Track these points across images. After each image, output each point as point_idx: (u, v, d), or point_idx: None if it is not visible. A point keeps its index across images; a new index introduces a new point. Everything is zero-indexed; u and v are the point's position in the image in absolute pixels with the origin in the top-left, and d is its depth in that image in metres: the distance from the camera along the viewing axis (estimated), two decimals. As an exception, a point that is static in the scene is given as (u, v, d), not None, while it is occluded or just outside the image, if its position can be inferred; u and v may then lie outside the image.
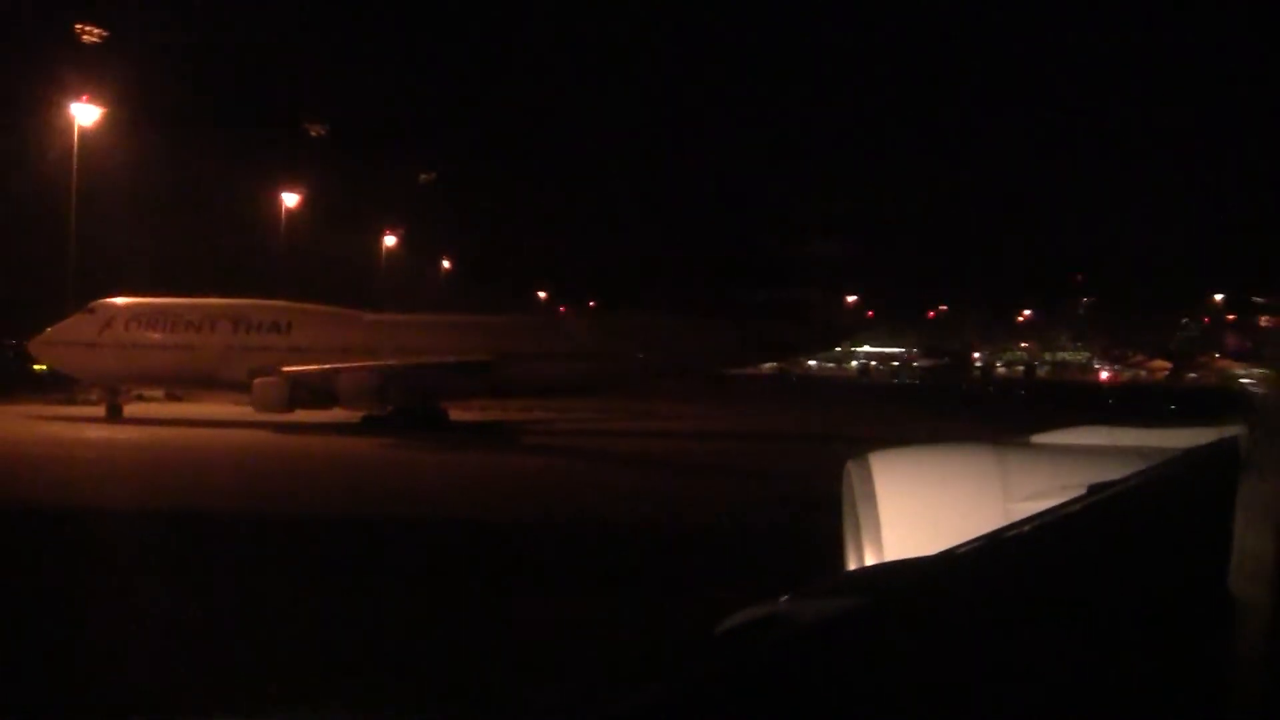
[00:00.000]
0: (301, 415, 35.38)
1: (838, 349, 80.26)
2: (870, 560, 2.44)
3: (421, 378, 34.73)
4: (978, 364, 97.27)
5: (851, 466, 2.61)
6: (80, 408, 40.95)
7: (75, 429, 33.51)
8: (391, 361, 34.85)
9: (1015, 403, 56.29)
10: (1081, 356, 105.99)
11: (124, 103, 45.34)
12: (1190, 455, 2.17)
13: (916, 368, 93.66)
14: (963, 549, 1.85)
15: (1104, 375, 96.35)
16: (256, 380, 35.06)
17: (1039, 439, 2.83)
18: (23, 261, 59.72)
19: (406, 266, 71.37)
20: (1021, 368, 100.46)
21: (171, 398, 45.91)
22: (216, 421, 37.48)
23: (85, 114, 44.11)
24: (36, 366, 73.96)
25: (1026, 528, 1.88)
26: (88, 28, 43.55)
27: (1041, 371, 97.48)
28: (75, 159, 43.69)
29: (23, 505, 18.54)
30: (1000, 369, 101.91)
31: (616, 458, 29.27)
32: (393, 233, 69.04)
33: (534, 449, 31.80)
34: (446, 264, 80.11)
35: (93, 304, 38.46)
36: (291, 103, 65.17)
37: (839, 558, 2.66)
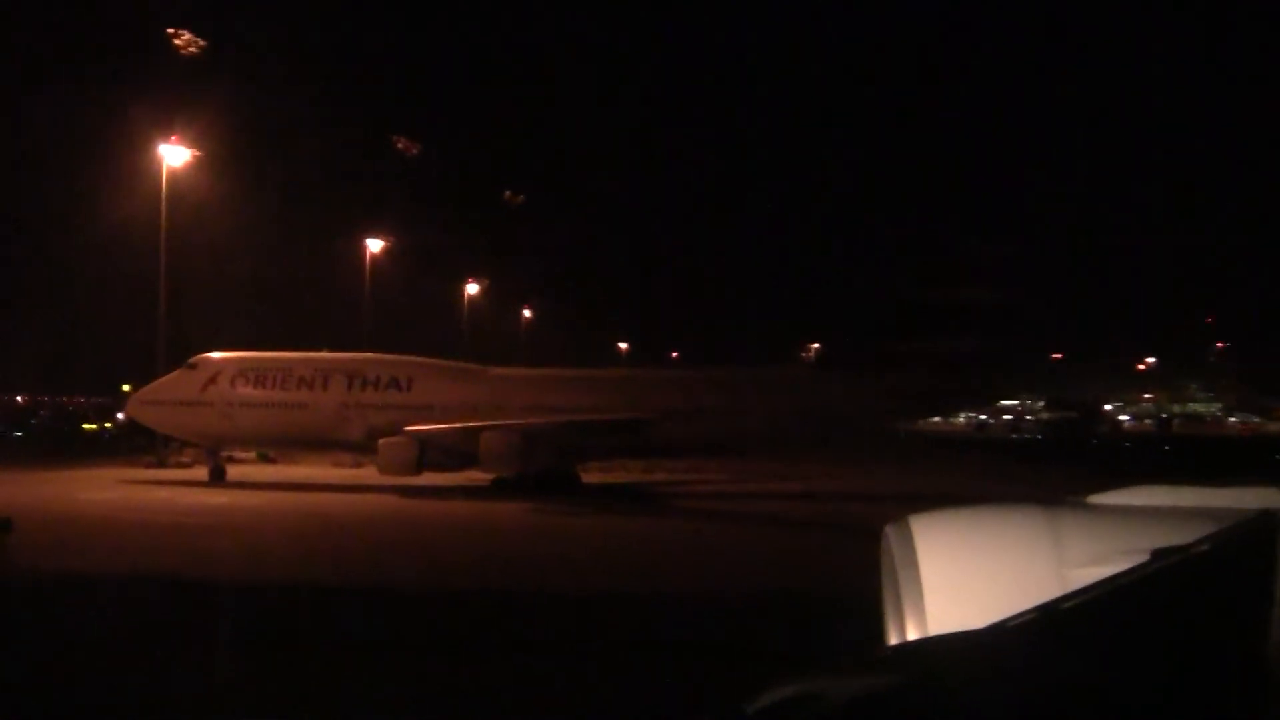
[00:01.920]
0: (425, 477, 35.42)
1: (1000, 403, 79.50)
2: (912, 633, 2.44)
3: (570, 437, 34.86)
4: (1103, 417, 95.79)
5: (890, 530, 2.60)
6: (172, 470, 41.78)
7: (191, 495, 33.51)
8: (537, 420, 34.93)
9: (1166, 461, 55.12)
10: (1214, 408, 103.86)
11: (209, 138, 45.64)
12: (1266, 518, 2.19)
13: (1040, 422, 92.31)
14: (1014, 621, 1.87)
15: (1238, 427, 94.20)
16: (383, 441, 35.06)
17: (1096, 499, 2.80)
18: (54, 314, 61.09)
19: (489, 315, 72.77)
20: (1149, 420, 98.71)
21: (264, 459, 46.74)
22: (334, 485, 37.58)
23: (174, 155, 44.43)
24: (86, 425, 75.62)
25: (1084, 598, 1.91)
26: (181, 32, 44.12)
27: (1174, 425, 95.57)
28: (164, 206, 44.00)
29: (216, 582, 18.17)
30: (1126, 422, 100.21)
31: (788, 522, 28.98)
32: (476, 280, 69.97)
33: (704, 515, 31.37)
34: (527, 313, 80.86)
35: (194, 359, 38.73)
36: (373, 139, 66.27)
37: (878, 630, 2.67)
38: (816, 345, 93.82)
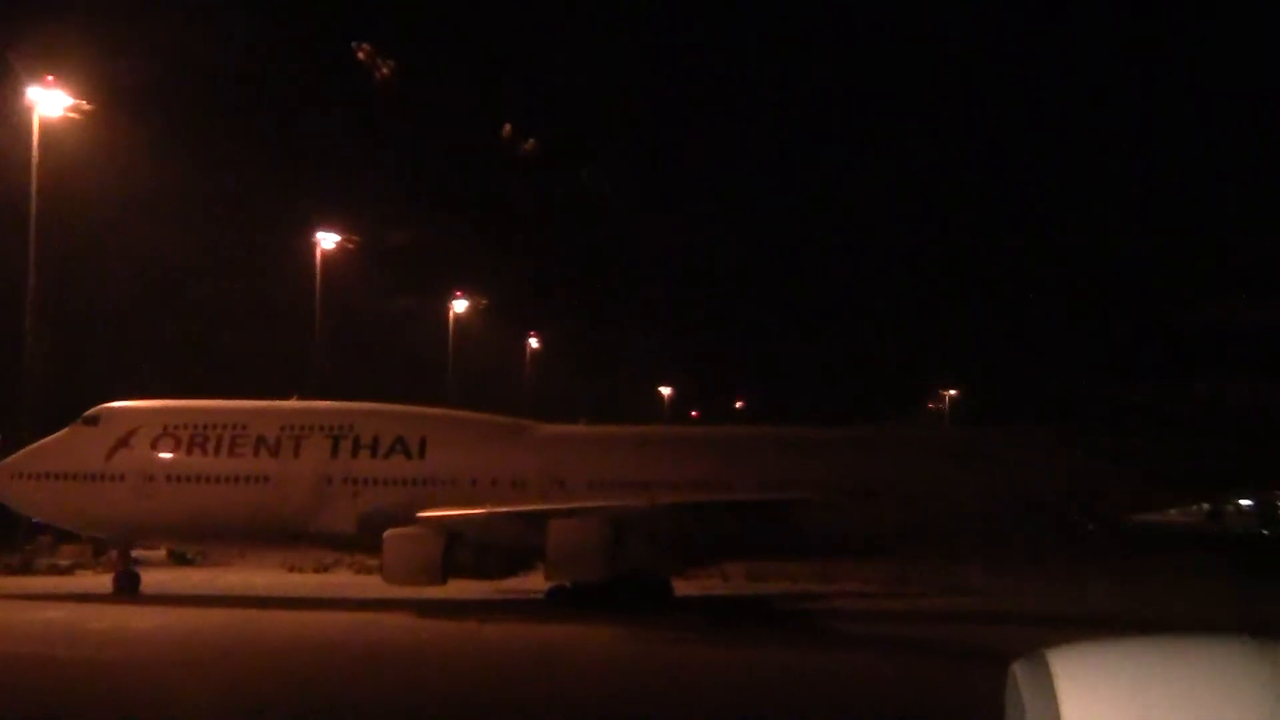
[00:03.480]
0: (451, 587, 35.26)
1: None
2: None
3: (680, 528, 34.49)
4: None
5: (1019, 671, 2.80)
6: (48, 578, 41.36)
7: (102, 616, 32.83)
8: (633, 503, 34.57)
9: None
10: None
11: (101, 81, 45.49)
12: None
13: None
14: None
15: None
16: (392, 534, 34.37)
17: None
18: None
19: (481, 344, 73.44)
20: None
21: (179, 560, 46.74)
22: (310, 600, 37.27)
23: (49, 103, 43.52)
24: None
25: None
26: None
27: None
28: (35, 178, 43.36)
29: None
30: None
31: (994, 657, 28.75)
32: (466, 294, 70.71)
33: (880, 645, 31.01)
34: (534, 343, 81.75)
35: (95, 411, 38.14)
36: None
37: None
38: (953, 392, 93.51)
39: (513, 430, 39.59)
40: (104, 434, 37.55)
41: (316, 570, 44.79)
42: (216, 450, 37.40)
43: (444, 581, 34.66)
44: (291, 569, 44.80)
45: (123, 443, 37.33)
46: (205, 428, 37.73)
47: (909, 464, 37.53)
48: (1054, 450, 38.66)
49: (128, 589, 37.31)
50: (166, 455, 37.39)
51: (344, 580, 41.92)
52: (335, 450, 37.29)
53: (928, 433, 44.60)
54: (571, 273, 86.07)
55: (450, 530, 34.68)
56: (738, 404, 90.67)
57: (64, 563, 43.18)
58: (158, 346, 54.57)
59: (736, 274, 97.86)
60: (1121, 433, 39.63)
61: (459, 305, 71.33)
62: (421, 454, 37.26)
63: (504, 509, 35.00)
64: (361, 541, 36.43)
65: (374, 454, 37.23)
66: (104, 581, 38.36)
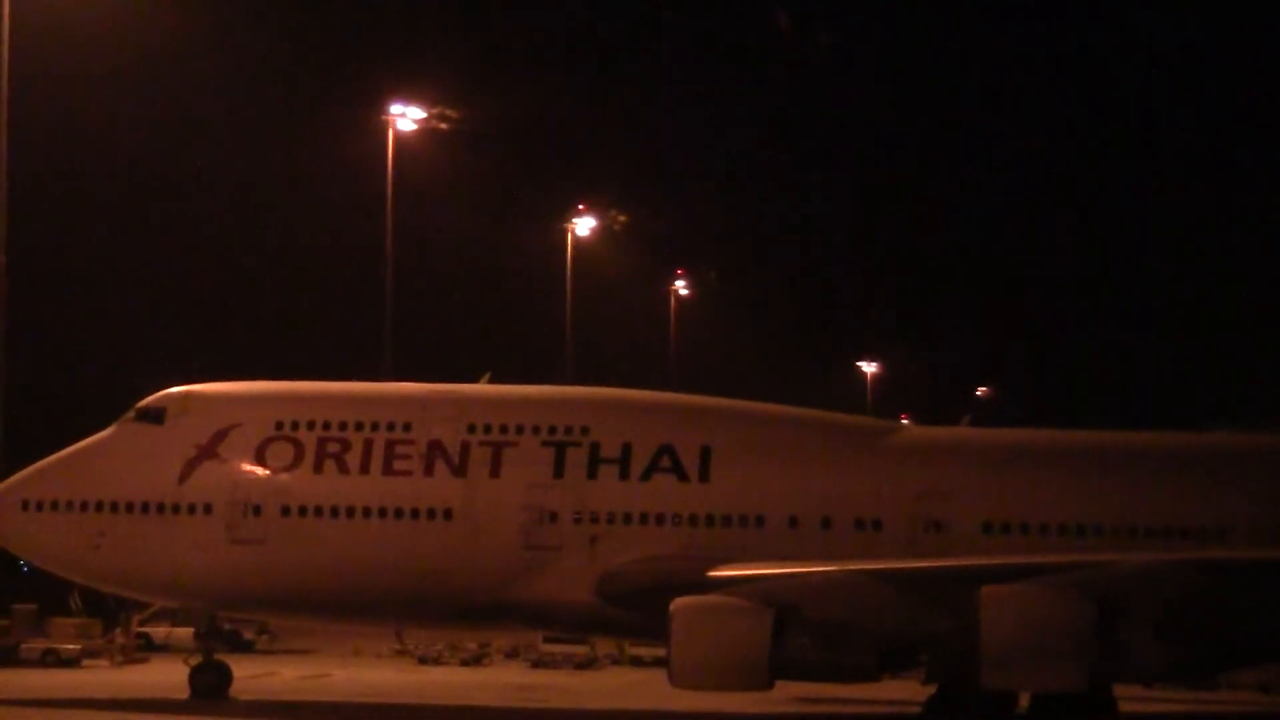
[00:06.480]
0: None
1: None
2: None
3: (1220, 602, 33.89)
4: None
5: None
6: (38, 671, 42.42)
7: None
8: (1147, 557, 34.24)
9: None
10: None
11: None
12: None
13: None
14: None
15: None
16: (687, 607, 34.25)
17: None
18: None
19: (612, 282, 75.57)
20: None
21: (220, 639, 46.37)
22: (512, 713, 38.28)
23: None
24: None
25: None
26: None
27: None
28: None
29: None
30: None
31: None
32: (591, 208, 71.87)
33: None
34: (681, 287, 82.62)
35: (157, 399, 38.52)
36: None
37: None
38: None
39: (855, 435, 40.14)
40: (174, 437, 38.04)
41: (466, 662, 46.07)
42: (364, 465, 37.75)
43: (769, 685, 34.61)
44: (423, 659, 46.16)
45: (207, 452, 37.57)
46: (343, 427, 38.01)
47: None
48: None
49: (212, 691, 37.87)
50: (281, 473, 37.60)
51: (525, 678, 43.38)
52: (560, 465, 37.63)
53: None
54: (753, 185, 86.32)
55: (780, 602, 34.32)
56: (978, 391, 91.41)
57: (67, 647, 43.96)
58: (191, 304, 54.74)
59: (996, 203, 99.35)
60: None
61: (581, 225, 72.30)
62: (704, 473, 37.61)
63: (878, 565, 34.84)
64: (603, 617, 37.12)
65: (624, 472, 37.64)
66: (136, 678, 40.54)
